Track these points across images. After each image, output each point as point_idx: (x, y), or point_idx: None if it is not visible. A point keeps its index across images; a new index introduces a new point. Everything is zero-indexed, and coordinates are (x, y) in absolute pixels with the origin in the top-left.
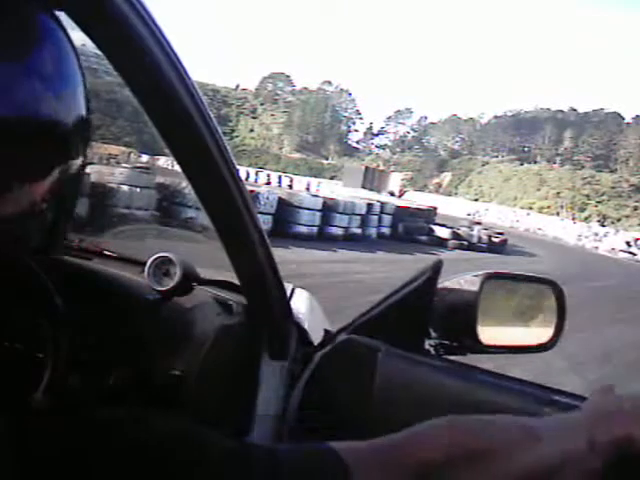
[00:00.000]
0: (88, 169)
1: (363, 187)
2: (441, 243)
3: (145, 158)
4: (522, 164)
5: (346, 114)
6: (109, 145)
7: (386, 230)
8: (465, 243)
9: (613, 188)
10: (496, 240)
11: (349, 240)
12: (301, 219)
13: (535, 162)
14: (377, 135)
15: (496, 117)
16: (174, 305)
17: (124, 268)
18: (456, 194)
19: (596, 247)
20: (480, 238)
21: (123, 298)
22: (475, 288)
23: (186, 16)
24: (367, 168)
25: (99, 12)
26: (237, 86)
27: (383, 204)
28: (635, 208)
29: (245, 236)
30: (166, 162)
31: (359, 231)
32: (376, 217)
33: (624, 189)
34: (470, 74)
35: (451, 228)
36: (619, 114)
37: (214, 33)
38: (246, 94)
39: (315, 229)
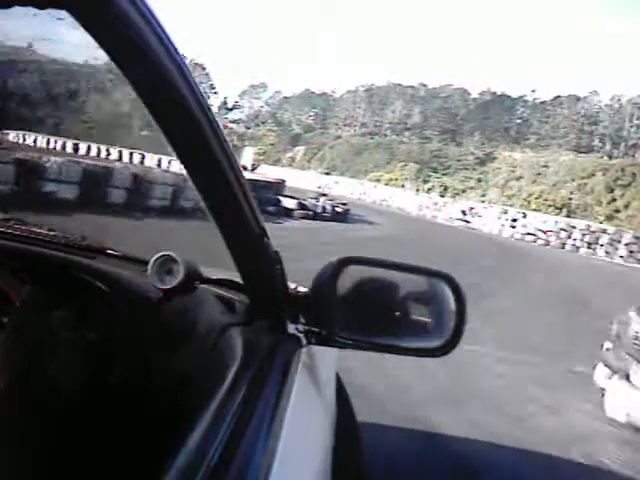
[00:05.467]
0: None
1: None
2: (288, 213)
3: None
4: (373, 138)
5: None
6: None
7: None
8: (310, 213)
9: (459, 161)
10: (339, 210)
11: (200, 213)
12: (155, 193)
13: (386, 136)
14: (231, 110)
15: (349, 92)
16: (177, 303)
17: (127, 267)
18: (309, 168)
19: (435, 216)
20: (325, 208)
21: (126, 296)
22: (331, 273)
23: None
24: None
25: (101, 11)
26: None
27: None
28: (479, 180)
29: (247, 235)
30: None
31: None
32: None
33: (470, 162)
34: (323, 48)
35: (297, 199)
36: (466, 90)
37: None
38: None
39: (168, 202)
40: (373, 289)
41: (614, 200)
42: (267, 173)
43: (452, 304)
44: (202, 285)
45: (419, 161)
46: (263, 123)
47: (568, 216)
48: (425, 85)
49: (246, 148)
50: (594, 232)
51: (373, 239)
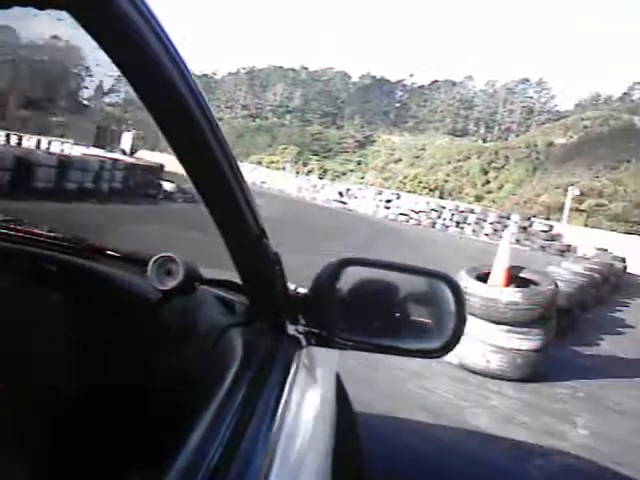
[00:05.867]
0: None
1: (95, 145)
2: (168, 197)
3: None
4: (254, 120)
5: (76, 70)
6: None
7: (118, 185)
8: (190, 196)
9: (339, 144)
10: None
11: (84, 194)
12: (38, 175)
13: (267, 118)
14: (108, 93)
15: (230, 74)
16: (176, 305)
17: (127, 268)
18: None
19: (314, 198)
20: None
21: (126, 297)
22: (331, 274)
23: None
24: (99, 127)
25: (101, 12)
26: None
27: (115, 161)
28: (359, 162)
29: (247, 235)
30: None
31: (92, 186)
32: (108, 173)
33: (350, 145)
34: (204, 29)
35: (177, 183)
36: (346, 73)
37: None
38: None
39: (51, 184)
40: (373, 290)
41: (488, 182)
42: (146, 158)
43: (452, 305)
44: (202, 286)
45: (300, 144)
46: (141, 107)
47: (441, 197)
48: (306, 68)
49: (125, 133)
50: (462, 212)
51: None
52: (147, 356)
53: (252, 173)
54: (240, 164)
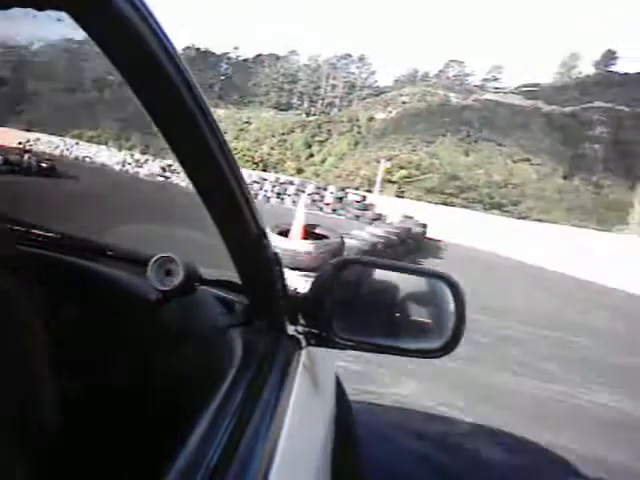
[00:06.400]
0: None
1: None
2: None
3: None
4: (73, 94)
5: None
6: None
7: None
8: (16, 168)
9: None
10: (45, 165)
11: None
12: None
13: (87, 92)
14: None
15: (48, 45)
16: (176, 305)
17: (126, 268)
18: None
19: (137, 172)
20: (30, 164)
21: (125, 298)
22: (330, 275)
23: None
24: None
25: (100, 12)
26: None
27: None
28: None
29: (246, 236)
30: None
31: None
32: None
33: None
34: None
35: (1, 156)
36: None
37: None
38: None
39: None
40: (372, 290)
41: (312, 155)
42: None
43: (451, 305)
44: (201, 286)
45: (122, 118)
46: None
47: (264, 170)
48: None
49: None
50: (283, 184)
51: (79, 191)
52: (146, 356)
53: (74, 148)
54: (61, 139)
